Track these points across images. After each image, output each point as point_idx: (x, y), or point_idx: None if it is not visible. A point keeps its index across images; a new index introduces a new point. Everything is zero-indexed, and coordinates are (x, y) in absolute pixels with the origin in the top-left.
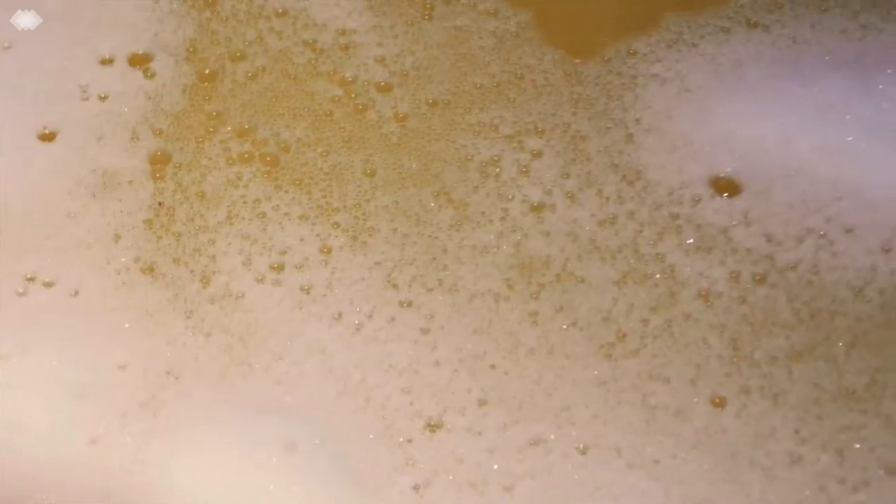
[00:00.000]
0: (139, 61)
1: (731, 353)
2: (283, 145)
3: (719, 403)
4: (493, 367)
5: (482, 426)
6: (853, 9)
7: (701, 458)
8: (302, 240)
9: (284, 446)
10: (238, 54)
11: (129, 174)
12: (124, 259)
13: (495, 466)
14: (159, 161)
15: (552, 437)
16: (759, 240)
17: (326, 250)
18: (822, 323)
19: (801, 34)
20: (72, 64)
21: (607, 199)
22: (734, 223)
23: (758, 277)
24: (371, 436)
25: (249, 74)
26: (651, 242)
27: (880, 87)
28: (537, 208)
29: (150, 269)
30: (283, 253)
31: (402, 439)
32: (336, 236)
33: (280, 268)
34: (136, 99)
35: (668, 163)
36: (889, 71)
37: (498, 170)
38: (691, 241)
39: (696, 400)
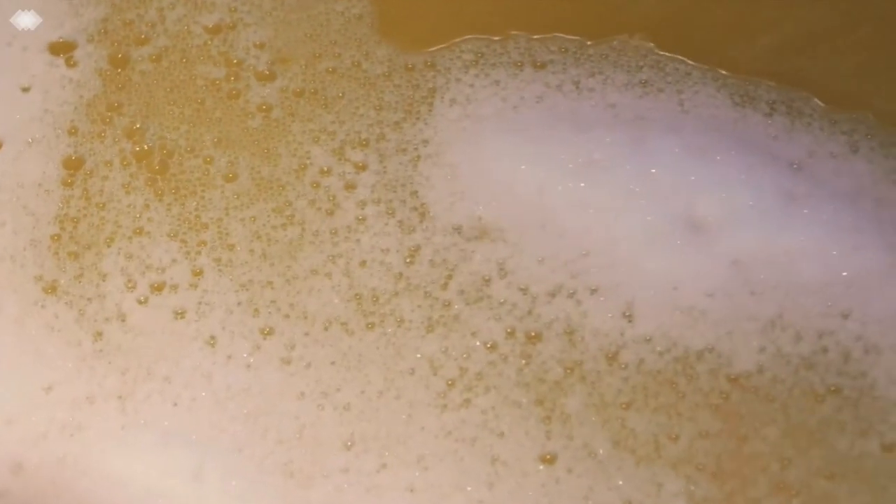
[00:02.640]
0: (62, 49)
1: (541, 411)
2: (167, 149)
3: (550, 459)
4: (347, 406)
5: (356, 467)
6: (637, 63)
7: None
8: (174, 260)
9: (191, 474)
10: (143, 37)
11: (47, 182)
12: (33, 278)
13: None
14: (73, 165)
15: (419, 484)
16: (516, 293)
17: (197, 271)
18: (594, 386)
19: (585, 82)
20: (6, 62)
21: (405, 232)
22: (493, 273)
23: (533, 334)
24: (268, 466)
25: (153, 57)
26: (441, 286)
27: (650, 149)
28: (356, 232)
29: (52, 289)
30: (162, 271)
31: (292, 471)
32: (203, 255)
33: (159, 288)
34: (63, 93)
35: (441, 197)
36: (662, 134)
37: (329, 182)
38: (464, 289)
39: (529, 455)
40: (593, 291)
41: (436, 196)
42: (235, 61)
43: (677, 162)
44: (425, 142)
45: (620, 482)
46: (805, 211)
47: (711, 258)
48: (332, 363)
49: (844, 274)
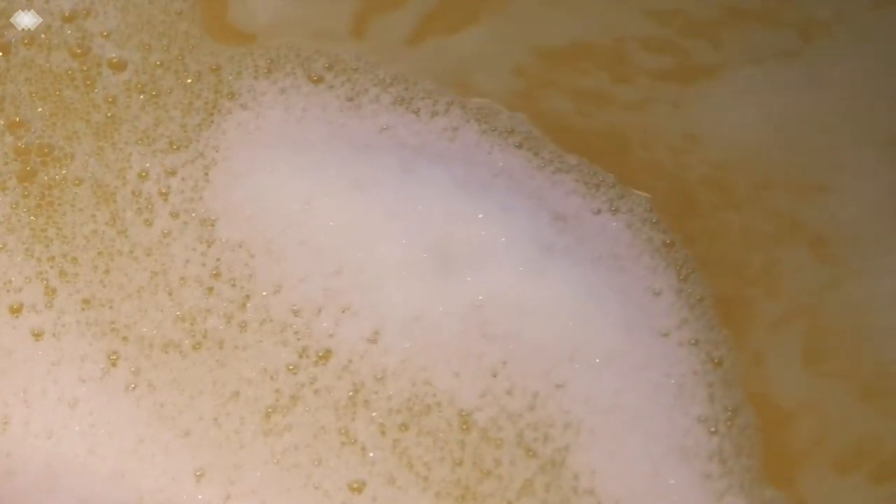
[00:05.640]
0: None
1: (343, 437)
2: (46, 147)
3: (358, 488)
4: (188, 432)
5: (207, 499)
6: (402, 86)
7: None
8: (28, 279)
9: None
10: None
11: None
12: None
13: None
14: None
15: None
16: (289, 313)
17: (50, 291)
18: (375, 410)
19: (363, 99)
20: None
21: (206, 245)
22: (270, 292)
23: (321, 354)
24: (147, 499)
25: (25, 41)
26: (239, 306)
27: (417, 176)
28: (169, 246)
29: None
30: (20, 291)
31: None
32: (51, 270)
33: (18, 310)
34: None
35: (226, 209)
36: (431, 162)
37: (148, 188)
38: (257, 308)
39: (342, 481)
40: (344, 310)
41: (222, 207)
42: (80, 51)
43: (441, 193)
44: (216, 148)
45: None
46: (556, 267)
47: (455, 295)
48: (173, 388)
49: (572, 343)
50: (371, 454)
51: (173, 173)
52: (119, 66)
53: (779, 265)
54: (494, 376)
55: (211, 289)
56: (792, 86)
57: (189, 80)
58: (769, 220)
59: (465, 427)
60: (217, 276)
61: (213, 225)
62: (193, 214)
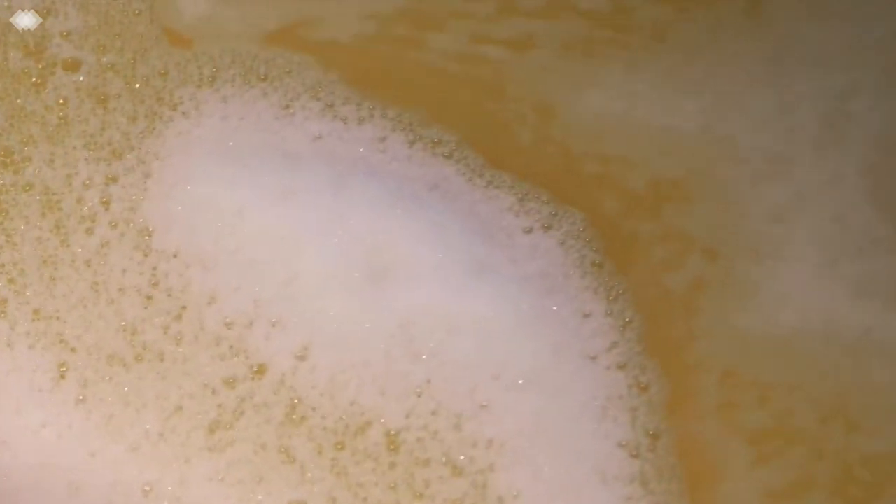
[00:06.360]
0: None
1: (284, 457)
2: (2, 151)
3: None
4: (136, 447)
5: None
6: (333, 96)
7: None
8: None
9: None
10: None
11: None
12: None
13: None
14: None
15: None
16: (222, 325)
17: (2, 301)
18: (310, 427)
19: (297, 109)
20: None
21: (143, 255)
22: (204, 304)
23: (256, 369)
24: None
25: None
26: (175, 317)
27: (350, 188)
28: (108, 256)
29: None
30: None
31: None
32: (3, 282)
33: None
34: None
35: (162, 218)
36: (363, 174)
37: (90, 196)
38: (192, 321)
39: (284, 500)
40: (274, 324)
41: (158, 217)
42: (35, 50)
43: (373, 206)
44: (156, 156)
45: None
46: (486, 285)
47: (382, 312)
48: (119, 401)
49: (496, 362)
50: (309, 474)
51: (115, 181)
52: (73, 68)
53: (693, 284)
54: (419, 395)
55: (150, 298)
56: (642, 88)
57: (137, 85)
58: (671, 233)
59: (393, 447)
60: (155, 285)
61: (150, 235)
62: (131, 224)
